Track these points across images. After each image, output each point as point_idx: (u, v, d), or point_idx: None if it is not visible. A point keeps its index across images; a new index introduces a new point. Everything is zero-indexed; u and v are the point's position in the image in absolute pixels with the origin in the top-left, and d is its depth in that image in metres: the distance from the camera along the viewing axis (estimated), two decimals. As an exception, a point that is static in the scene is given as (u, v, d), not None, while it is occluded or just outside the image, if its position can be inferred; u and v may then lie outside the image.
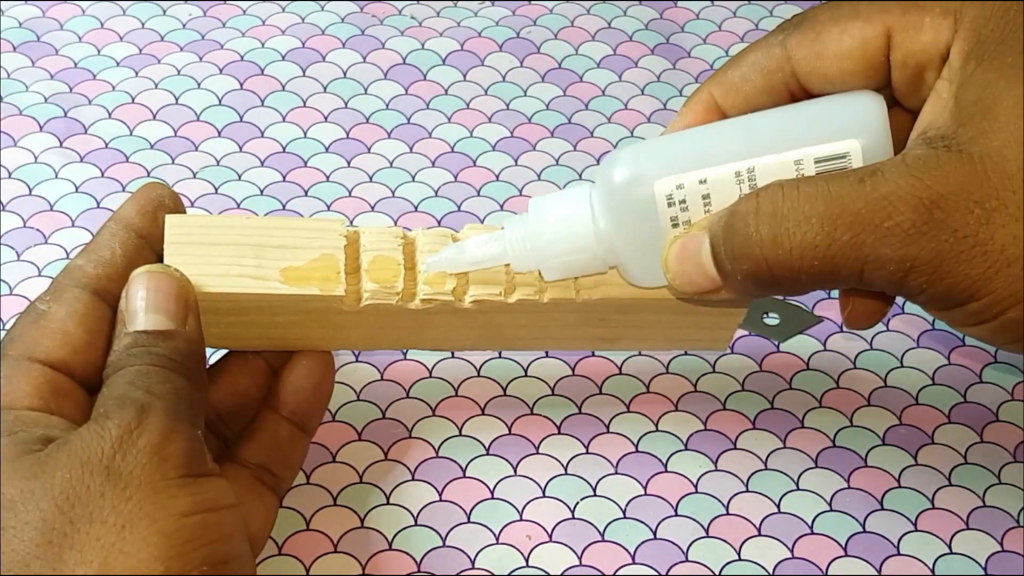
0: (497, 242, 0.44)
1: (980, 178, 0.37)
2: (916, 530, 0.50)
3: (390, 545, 0.48)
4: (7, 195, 0.59)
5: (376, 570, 0.47)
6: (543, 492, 0.50)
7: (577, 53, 0.70)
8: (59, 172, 0.60)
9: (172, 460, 0.37)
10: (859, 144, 0.40)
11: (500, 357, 0.55)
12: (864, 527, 0.50)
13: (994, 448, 0.53)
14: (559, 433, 0.52)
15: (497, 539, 0.48)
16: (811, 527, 0.50)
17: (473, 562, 0.48)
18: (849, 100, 0.42)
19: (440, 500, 0.49)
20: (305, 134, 0.64)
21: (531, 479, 0.50)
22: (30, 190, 0.59)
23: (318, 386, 0.47)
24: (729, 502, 0.50)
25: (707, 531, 0.49)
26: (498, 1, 0.72)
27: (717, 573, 0.48)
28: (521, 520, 0.49)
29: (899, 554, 0.49)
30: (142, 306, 0.40)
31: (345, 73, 0.67)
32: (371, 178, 0.62)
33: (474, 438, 0.52)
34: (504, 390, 0.53)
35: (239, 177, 0.61)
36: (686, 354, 0.55)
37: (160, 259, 0.43)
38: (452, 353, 0.54)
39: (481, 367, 0.54)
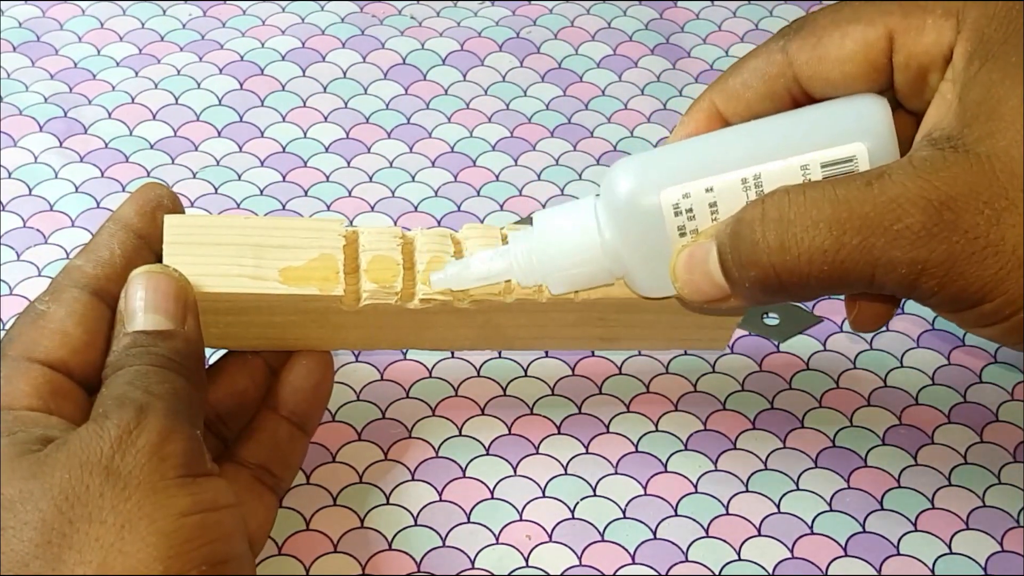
0: (503, 257, 0.44)
1: (988, 178, 0.37)
2: (916, 530, 0.50)
3: (390, 545, 0.48)
4: (7, 195, 0.59)
5: (376, 570, 0.47)
6: (543, 492, 0.50)
7: (577, 53, 0.70)
8: (59, 172, 0.60)
9: (171, 460, 0.37)
10: (865, 147, 0.40)
11: (500, 357, 0.55)
12: (864, 527, 0.50)
13: (994, 448, 0.53)
14: (559, 433, 0.52)
15: (497, 539, 0.48)
16: (811, 527, 0.50)
17: (473, 562, 0.48)
18: (853, 103, 0.42)
19: (440, 500, 0.49)
20: (305, 134, 0.64)
21: (531, 479, 0.50)
22: (30, 190, 0.59)
23: (317, 386, 0.47)
24: (729, 502, 0.50)
25: (707, 531, 0.49)
26: (498, 1, 0.72)
27: (717, 573, 0.48)
28: (521, 520, 0.49)
29: (899, 554, 0.49)
30: (141, 306, 0.40)
31: (345, 73, 0.67)
32: (371, 178, 0.62)
33: (474, 438, 0.52)
34: (504, 390, 0.53)
35: (239, 177, 0.61)
36: (686, 354, 0.55)
37: (159, 259, 0.43)
38: (452, 353, 0.54)
39: (481, 367, 0.54)
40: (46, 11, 0.69)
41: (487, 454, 0.51)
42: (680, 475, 0.51)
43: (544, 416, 0.53)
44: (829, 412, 0.54)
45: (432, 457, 0.51)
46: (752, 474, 0.51)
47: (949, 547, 0.49)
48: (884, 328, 0.57)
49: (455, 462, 0.51)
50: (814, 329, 0.57)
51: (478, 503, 0.49)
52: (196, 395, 0.40)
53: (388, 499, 0.49)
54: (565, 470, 0.51)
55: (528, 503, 0.50)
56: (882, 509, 0.50)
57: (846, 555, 0.49)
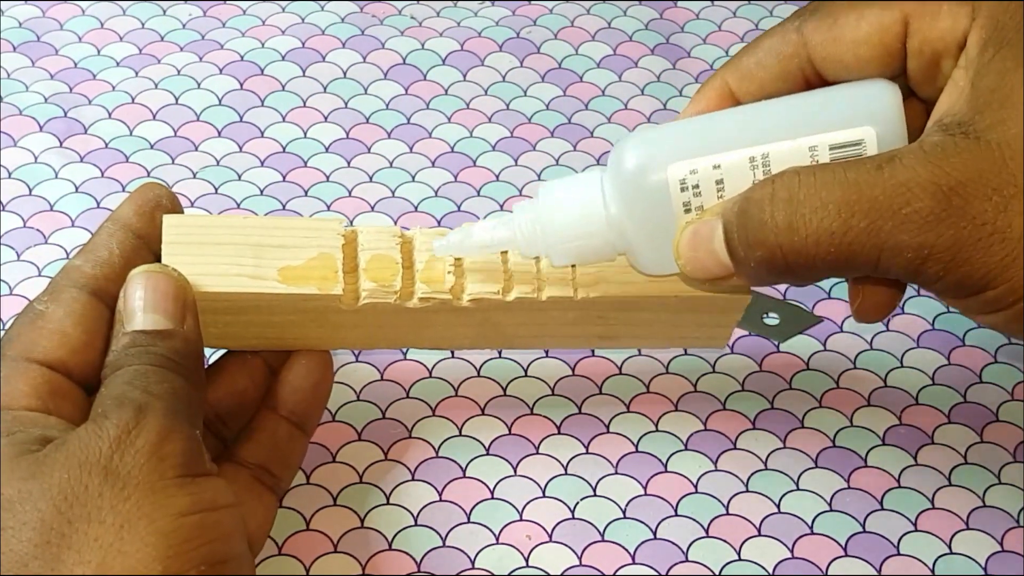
0: (506, 226, 0.44)
1: (998, 165, 0.37)
2: (916, 530, 0.50)
3: (390, 545, 0.48)
4: (7, 195, 0.59)
5: (376, 570, 0.47)
6: (543, 492, 0.50)
7: (577, 53, 0.70)
8: (59, 172, 0.60)
9: (170, 460, 0.37)
10: (874, 132, 0.40)
11: (500, 357, 0.55)
12: (864, 527, 0.50)
13: (994, 448, 0.53)
14: (559, 433, 0.52)
15: (497, 539, 0.48)
16: (811, 527, 0.50)
17: (473, 562, 0.48)
18: (864, 88, 0.42)
19: (440, 500, 0.49)
20: (305, 134, 0.64)
21: (531, 479, 0.50)
22: (30, 190, 0.59)
23: (317, 386, 0.46)
24: (729, 502, 0.50)
25: (707, 531, 0.49)
26: (498, 1, 0.72)
27: (717, 573, 0.48)
28: (521, 520, 0.49)
29: (899, 554, 0.49)
30: (140, 306, 0.40)
31: (345, 73, 0.67)
32: (371, 178, 0.62)
33: (474, 438, 0.52)
34: (504, 390, 0.53)
35: (239, 177, 0.61)
36: (686, 354, 0.55)
37: (158, 259, 0.43)
38: (452, 353, 0.54)
39: (481, 367, 0.54)
40: (46, 11, 0.69)
41: (487, 454, 0.51)
42: (680, 475, 0.51)
43: (544, 416, 0.53)
44: (829, 412, 0.54)
45: (432, 457, 0.51)
46: (752, 474, 0.51)
47: (949, 547, 0.49)
48: (884, 328, 0.57)
49: (455, 462, 0.51)
50: (814, 329, 0.57)
51: (478, 503, 0.49)
52: (195, 395, 0.40)
53: (388, 499, 0.49)
54: (565, 470, 0.51)
55: (528, 503, 0.50)
56: (882, 509, 0.50)
57: (846, 555, 0.49)
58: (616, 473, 0.51)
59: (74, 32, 0.68)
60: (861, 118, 0.41)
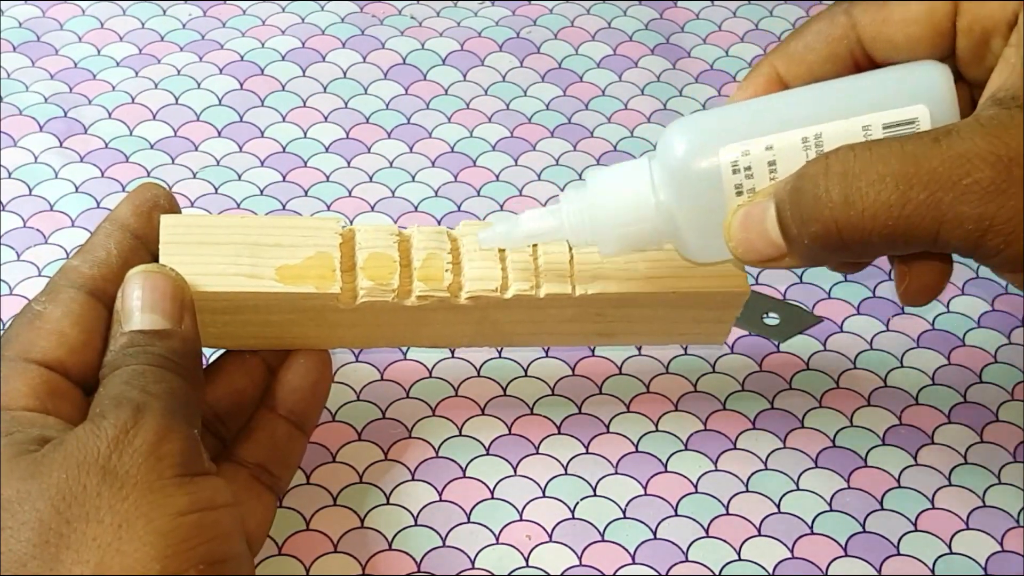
0: (553, 215, 0.43)
1: None
2: (916, 530, 0.50)
3: (390, 545, 0.48)
4: (7, 195, 0.59)
5: (376, 570, 0.47)
6: (543, 492, 0.50)
7: (577, 53, 0.70)
8: (59, 172, 0.60)
9: (168, 459, 0.37)
10: (927, 110, 0.40)
11: (500, 357, 0.54)
12: (864, 527, 0.50)
13: (994, 448, 0.53)
14: (559, 433, 0.52)
15: (497, 539, 0.48)
16: (811, 527, 0.49)
17: (473, 562, 0.48)
18: (915, 68, 0.41)
19: (440, 500, 0.49)
20: (305, 134, 0.64)
21: (531, 479, 0.50)
22: (30, 190, 0.59)
23: (315, 385, 0.46)
24: (729, 502, 0.50)
25: (707, 531, 0.49)
26: (498, 1, 0.72)
27: (717, 573, 0.48)
28: (521, 520, 0.49)
29: (899, 554, 0.49)
30: (138, 306, 0.40)
31: (345, 73, 0.67)
32: (371, 178, 0.62)
33: (474, 438, 0.52)
34: (504, 390, 0.53)
35: (239, 177, 0.61)
36: (686, 354, 0.55)
37: (155, 259, 0.43)
38: (452, 353, 0.54)
39: (481, 367, 0.54)
40: (46, 11, 0.69)
41: (487, 454, 0.51)
42: (680, 475, 0.51)
43: (544, 416, 0.53)
44: (829, 412, 0.54)
45: (432, 457, 0.51)
46: (752, 474, 0.51)
47: (949, 547, 0.49)
48: (884, 328, 0.57)
49: (455, 462, 0.51)
50: (814, 329, 0.57)
51: (478, 503, 0.49)
52: (193, 394, 0.40)
53: (388, 499, 0.49)
54: (565, 470, 0.51)
55: (528, 503, 0.49)
56: (882, 509, 0.50)
57: (846, 555, 0.49)
58: (616, 473, 0.51)
59: (74, 32, 0.68)
60: (914, 96, 0.40)
